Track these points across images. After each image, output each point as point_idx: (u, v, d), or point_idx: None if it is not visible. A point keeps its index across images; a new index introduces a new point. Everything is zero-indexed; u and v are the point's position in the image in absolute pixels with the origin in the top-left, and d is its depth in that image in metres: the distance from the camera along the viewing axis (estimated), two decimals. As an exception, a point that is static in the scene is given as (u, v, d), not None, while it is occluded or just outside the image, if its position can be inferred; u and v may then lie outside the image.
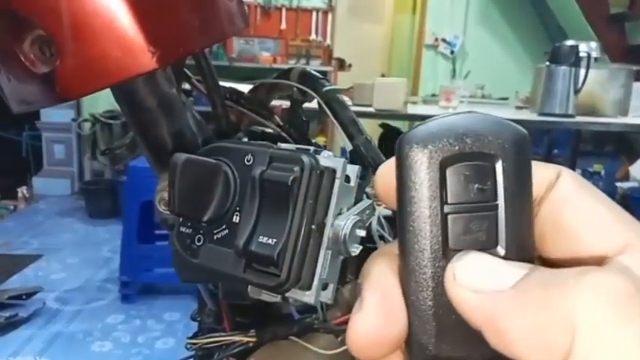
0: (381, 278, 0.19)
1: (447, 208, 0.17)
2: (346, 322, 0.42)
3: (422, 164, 0.17)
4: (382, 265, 0.20)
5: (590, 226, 0.18)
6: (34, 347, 2.17)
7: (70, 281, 2.79)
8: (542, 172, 0.19)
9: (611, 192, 3.76)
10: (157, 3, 0.29)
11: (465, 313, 0.17)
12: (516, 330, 0.16)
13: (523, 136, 0.18)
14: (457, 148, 0.17)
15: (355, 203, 0.31)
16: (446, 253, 0.17)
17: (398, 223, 0.18)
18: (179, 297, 2.54)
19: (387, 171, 0.20)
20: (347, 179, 0.30)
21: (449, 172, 0.17)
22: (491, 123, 0.18)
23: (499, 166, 0.17)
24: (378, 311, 0.19)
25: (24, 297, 2.44)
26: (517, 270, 0.17)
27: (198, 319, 0.50)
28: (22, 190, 4.17)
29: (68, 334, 2.28)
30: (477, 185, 0.17)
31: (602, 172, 3.80)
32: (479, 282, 0.17)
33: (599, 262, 0.18)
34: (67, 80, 0.28)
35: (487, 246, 0.18)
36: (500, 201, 0.17)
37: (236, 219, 0.30)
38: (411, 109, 2.45)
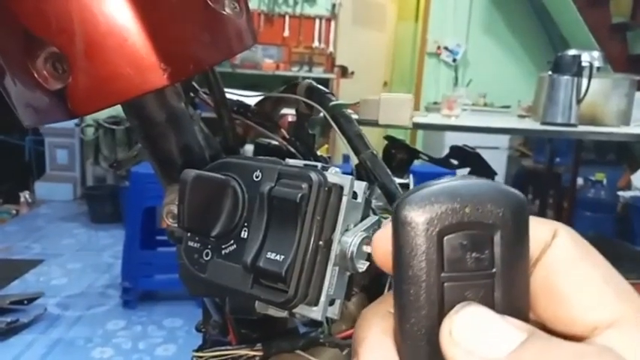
0: (378, 345, 0.19)
1: (443, 277, 0.17)
2: (351, 336, 0.42)
3: (419, 233, 0.17)
4: (378, 328, 0.20)
5: (582, 295, 0.18)
6: (35, 353, 2.17)
7: (72, 287, 2.79)
8: (538, 232, 0.19)
9: (613, 201, 3.75)
10: (168, 21, 0.29)
11: None
12: None
13: (521, 203, 0.18)
14: (456, 218, 0.17)
15: (362, 219, 0.32)
16: (441, 321, 0.17)
17: (394, 287, 0.18)
18: (180, 303, 2.54)
19: (384, 237, 0.20)
20: (354, 196, 0.31)
21: (446, 241, 0.17)
22: (491, 190, 0.17)
23: (497, 236, 0.17)
24: None
25: (25, 302, 2.44)
26: (515, 333, 0.17)
27: (203, 330, 0.50)
28: (25, 195, 4.18)
29: (69, 340, 2.27)
30: (474, 254, 0.17)
31: (604, 181, 3.80)
32: (475, 342, 0.16)
33: (588, 331, 0.18)
34: (79, 97, 0.29)
35: None
36: (497, 269, 0.17)
37: (244, 235, 0.31)
38: (414, 118, 2.45)
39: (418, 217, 0.17)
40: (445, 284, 0.17)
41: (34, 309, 2.43)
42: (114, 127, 4.14)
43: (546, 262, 0.19)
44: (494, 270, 0.17)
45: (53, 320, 2.43)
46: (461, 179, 0.18)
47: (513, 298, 0.18)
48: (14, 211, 4.06)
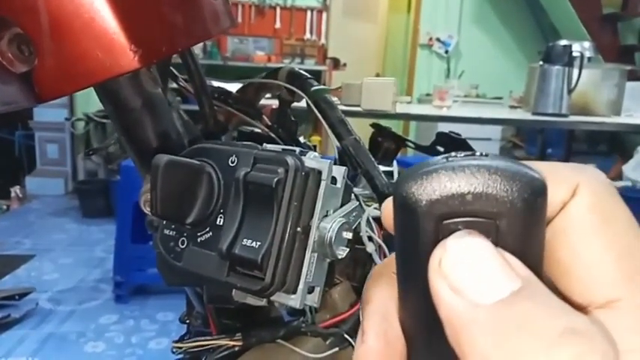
0: (381, 307, 0.19)
1: None
2: (334, 325, 0.42)
3: (416, 215, 0.16)
4: (382, 291, 0.19)
5: (582, 269, 0.16)
6: (27, 348, 2.16)
7: (63, 281, 2.77)
8: (555, 189, 0.17)
9: (604, 191, 3.76)
10: (139, 1, 0.28)
11: (437, 304, 0.15)
12: (477, 355, 0.14)
13: (537, 190, 0.15)
14: (456, 202, 0.15)
15: (342, 205, 0.31)
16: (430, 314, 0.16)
17: (396, 255, 0.17)
18: (173, 297, 2.52)
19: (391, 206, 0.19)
20: (333, 181, 0.30)
21: (444, 225, 0.16)
22: (500, 174, 0.15)
23: (502, 225, 0.15)
24: (379, 343, 0.18)
25: (17, 297, 2.42)
26: (509, 279, 0.15)
27: (187, 321, 0.49)
28: (15, 190, 4.15)
29: (61, 335, 2.26)
30: None
31: (596, 172, 3.81)
32: (464, 280, 0.15)
33: (580, 309, 0.16)
34: (46, 80, 0.28)
35: None
36: None
37: (220, 221, 0.30)
38: (405, 109, 2.45)
39: (416, 197, 0.16)
40: None
41: (26, 304, 2.42)
42: (104, 120, 4.09)
43: (557, 225, 0.17)
44: None
45: (45, 315, 2.42)
46: (469, 159, 0.16)
47: None
48: (5, 207, 4.02)
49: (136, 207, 2.36)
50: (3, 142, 4.44)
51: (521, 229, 0.15)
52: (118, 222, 2.57)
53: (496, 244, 0.15)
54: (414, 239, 0.16)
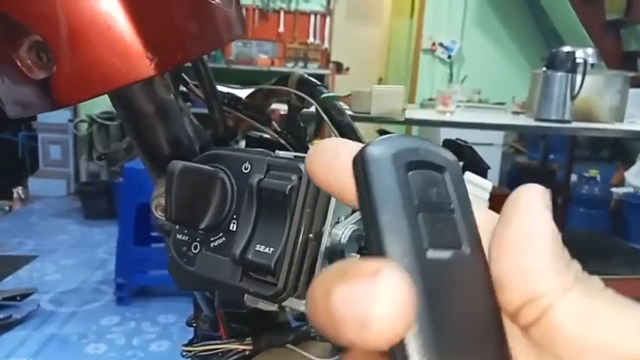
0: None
1: (415, 206, 0.18)
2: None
3: (388, 166, 0.18)
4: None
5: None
6: (28, 349, 2.16)
7: (65, 283, 2.78)
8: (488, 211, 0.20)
9: (606, 197, 3.76)
10: (155, 10, 0.29)
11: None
12: None
13: (456, 159, 0.20)
14: (414, 156, 0.19)
15: (353, 212, 0.31)
16: (422, 249, 0.18)
17: (366, 226, 0.18)
18: (174, 299, 2.53)
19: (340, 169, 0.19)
20: (345, 188, 0.30)
21: (411, 175, 0.18)
22: (434, 145, 0.20)
23: (447, 175, 0.19)
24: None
25: (18, 298, 2.42)
26: None
27: (194, 324, 0.49)
28: (18, 191, 4.15)
29: (63, 336, 2.27)
30: (435, 189, 0.19)
31: (598, 178, 3.81)
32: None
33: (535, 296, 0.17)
34: (63, 86, 0.28)
35: (454, 245, 0.18)
36: (455, 205, 0.19)
37: (233, 227, 0.30)
38: (408, 114, 2.45)
39: (384, 154, 0.18)
40: (419, 214, 0.18)
41: (28, 305, 2.42)
42: (108, 122, 4.11)
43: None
44: (452, 206, 0.19)
45: (47, 316, 2.42)
46: (401, 134, 0.20)
47: (473, 232, 0.19)
48: (7, 208, 4.03)
49: (139, 209, 2.37)
50: (6, 143, 4.46)
51: (458, 180, 0.19)
52: (120, 224, 2.58)
53: (447, 192, 0.19)
54: (392, 189, 0.18)
